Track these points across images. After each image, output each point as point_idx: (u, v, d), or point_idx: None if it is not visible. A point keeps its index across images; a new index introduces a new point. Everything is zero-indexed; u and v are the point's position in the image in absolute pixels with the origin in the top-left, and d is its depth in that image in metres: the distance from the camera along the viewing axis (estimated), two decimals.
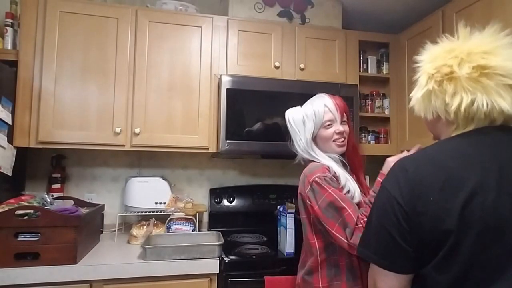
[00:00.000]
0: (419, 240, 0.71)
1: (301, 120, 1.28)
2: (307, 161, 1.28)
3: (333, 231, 1.11)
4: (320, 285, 1.18)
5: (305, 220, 1.27)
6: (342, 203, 1.11)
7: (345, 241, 1.08)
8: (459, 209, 0.67)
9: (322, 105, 1.25)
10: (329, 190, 1.14)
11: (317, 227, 1.21)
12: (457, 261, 0.68)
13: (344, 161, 1.28)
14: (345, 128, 1.27)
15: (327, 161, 1.24)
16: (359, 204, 1.18)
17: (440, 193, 0.70)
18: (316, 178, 1.17)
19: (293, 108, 1.32)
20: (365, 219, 1.04)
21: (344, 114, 1.28)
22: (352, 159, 1.32)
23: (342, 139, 1.26)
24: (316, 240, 1.22)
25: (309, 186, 1.18)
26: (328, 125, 1.25)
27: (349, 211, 1.09)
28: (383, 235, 0.75)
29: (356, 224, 1.07)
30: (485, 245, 0.67)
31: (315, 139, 1.28)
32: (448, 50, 0.79)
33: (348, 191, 1.18)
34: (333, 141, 1.26)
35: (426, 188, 0.71)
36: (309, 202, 1.19)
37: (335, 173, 1.20)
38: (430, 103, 0.80)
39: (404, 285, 0.76)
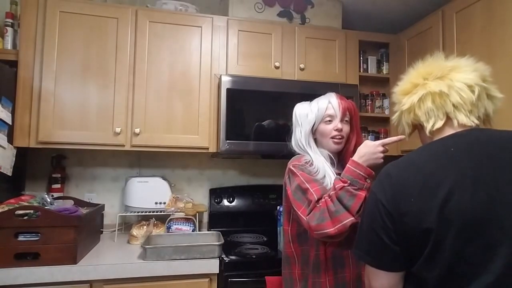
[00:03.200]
0: (405, 240, 0.76)
1: (305, 113, 1.32)
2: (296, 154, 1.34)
3: (299, 212, 1.15)
4: (296, 272, 1.25)
5: (284, 208, 1.32)
6: (306, 184, 1.16)
7: (305, 219, 1.10)
8: (438, 208, 0.72)
9: (327, 102, 1.30)
10: (298, 174, 1.20)
11: (293, 215, 1.25)
12: (442, 258, 0.71)
13: (333, 158, 1.30)
14: (344, 127, 1.29)
15: (315, 155, 1.27)
16: None
17: (420, 194, 0.74)
18: (291, 166, 1.25)
19: (302, 102, 1.36)
20: (328, 200, 1.08)
21: (348, 114, 1.30)
22: None
23: (340, 137, 1.28)
24: (289, 227, 1.28)
25: (287, 174, 1.27)
26: (328, 120, 1.28)
27: (312, 190, 1.13)
28: (373, 236, 0.81)
29: (317, 203, 1.10)
30: (466, 241, 0.70)
31: (314, 133, 1.32)
32: (411, 81, 0.93)
33: (322, 183, 1.20)
34: (331, 137, 1.28)
35: (407, 190, 0.76)
36: (286, 189, 1.26)
37: (311, 163, 1.24)
38: (402, 119, 0.95)
39: (396, 282, 0.81)
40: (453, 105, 0.83)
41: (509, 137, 0.79)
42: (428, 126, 0.87)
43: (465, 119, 0.83)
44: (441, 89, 0.84)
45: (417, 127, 0.94)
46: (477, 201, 0.71)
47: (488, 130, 0.83)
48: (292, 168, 1.23)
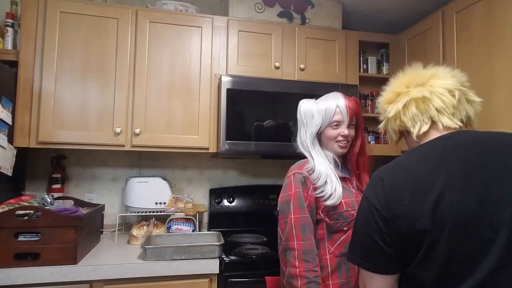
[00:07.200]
0: (399, 242, 0.77)
1: (311, 113, 1.30)
2: (302, 155, 1.33)
3: (280, 221, 1.21)
4: None
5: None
6: (292, 207, 1.19)
7: (282, 237, 1.19)
8: (430, 209, 0.73)
9: (334, 105, 1.27)
10: (292, 192, 1.21)
11: None
12: (436, 257, 0.73)
13: (337, 161, 1.30)
14: (351, 132, 1.30)
15: (319, 158, 1.26)
16: (338, 205, 1.21)
17: (412, 197, 0.76)
18: (291, 174, 1.25)
19: (308, 99, 1.35)
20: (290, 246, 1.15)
21: (354, 117, 1.30)
22: (357, 160, 1.34)
23: (345, 142, 1.29)
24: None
25: (286, 179, 1.27)
26: (335, 125, 1.27)
27: (292, 216, 1.18)
28: (366, 240, 0.82)
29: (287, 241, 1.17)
30: (459, 241, 0.72)
31: (319, 135, 1.31)
32: (394, 90, 0.97)
33: (322, 191, 1.21)
34: (336, 141, 1.28)
35: (399, 193, 0.78)
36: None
37: (313, 170, 1.23)
38: (388, 126, 0.99)
39: (391, 285, 0.82)
40: (436, 109, 0.88)
41: (492, 137, 0.82)
42: (414, 131, 0.90)
43: (449, 122, 0.87)
44: (423, 94, 0.89)
45: (403, 133, 0.99)
46: (467, 201, 0.72)
47: (472, 132, 0.85)
48: (292, 179, 1.23)
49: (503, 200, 0.72)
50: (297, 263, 1.12)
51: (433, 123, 0.89)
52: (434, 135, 0.88)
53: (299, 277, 1.11)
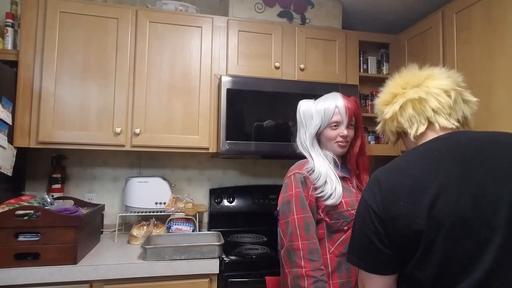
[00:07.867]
0: (397, 243, 0.78)
1: (310, 113, 1.31)
2: (302, 156, 1.34)
3: (281, 221, 1.22)
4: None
5: None
6: (294, 207, 1.19)
7: (284, 239, 1.19)
8: (426, 210, 0.74)
9: (333, 105, 1.28)
10: (293, 193, 1.21)
11: None
12: (433, 258, 0.73)
13: (337, 161, 1.30)
14: (350, 132, 1.30)
15: (318, 158, 1.27)
16: (338, 205, 1.21)
17: (408, 198, 0.77)
18: (291, 174, 1.25)
19: (307, 100, 1.35)
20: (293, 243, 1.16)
21: (353, 118, 1.30)
22: (357, 160, 1.34)
23: (345, 142, 1.29)
24: None
25: (286, 179, 1.28)
26: (335, 126, 1.28)
27: (295, 217, 1.18)
28: (365, 241, 0.83)
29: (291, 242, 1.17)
30: (456, 241, 0.72)
31: (319, 135, 1.31)
32: (391, 91, 0.98)
33: (322, 191, 1.21)
34: (336, 142, 1.29)
35: (396, 194, 0.79)
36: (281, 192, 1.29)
37: (313, 170, 1.23)
38: (386, 127, 1.00)
39: (389, 285, 0.83)
40: (433, 109, 0.88)
41: (489, 137, 0.82)
42: (411, 132, 0.91)
43: (446, 122, 0.88)
44: (419, 95, 0.90)
45: (401, 134, 0.99)
46: (463, 201, 0.73)
47: (469, 132, 0.86)
48: (292, 178, 1.24)
49: (500, 200, 0.72)
50: (303, 263, 1.12)
51: (430, 124, 0.89)
52: (431, 135, 0.88)
53: (306, 277, 1.11)
